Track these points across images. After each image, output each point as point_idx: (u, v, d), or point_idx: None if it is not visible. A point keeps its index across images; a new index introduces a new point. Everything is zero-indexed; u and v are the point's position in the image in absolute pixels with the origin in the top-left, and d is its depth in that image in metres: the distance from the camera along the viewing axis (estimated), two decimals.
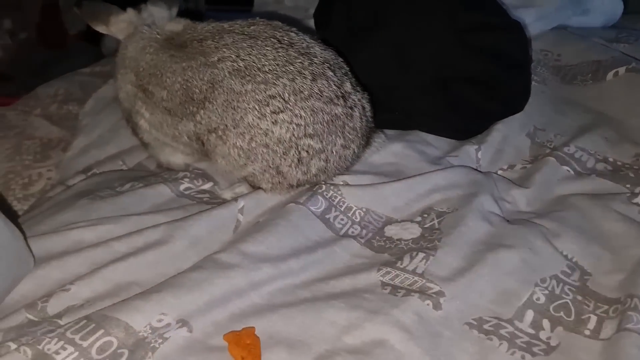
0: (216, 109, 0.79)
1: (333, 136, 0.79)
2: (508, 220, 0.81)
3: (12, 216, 0.65)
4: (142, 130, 0.89)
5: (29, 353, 0.55)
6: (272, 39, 0.80)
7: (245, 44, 0.80)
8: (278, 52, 0.79)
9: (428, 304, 0.64)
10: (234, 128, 0.78)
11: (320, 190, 0.80)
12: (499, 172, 0.95)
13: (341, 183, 0.83)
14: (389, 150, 0.92)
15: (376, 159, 0.90)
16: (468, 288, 0.67)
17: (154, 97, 0.84)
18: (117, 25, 0.90)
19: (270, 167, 0.79)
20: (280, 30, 0.82)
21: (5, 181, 1.12)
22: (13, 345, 0.56)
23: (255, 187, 0.83)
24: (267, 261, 0.69)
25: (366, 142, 0.88)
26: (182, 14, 0.94)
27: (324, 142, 0.79)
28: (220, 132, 0.79)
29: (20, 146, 1.21)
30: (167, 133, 0.86)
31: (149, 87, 0.84)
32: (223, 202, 0.82)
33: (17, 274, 0.64)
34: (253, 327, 0.62)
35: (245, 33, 0.81)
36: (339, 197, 0.80)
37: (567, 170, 0.93)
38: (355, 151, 0.84)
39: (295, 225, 0.74)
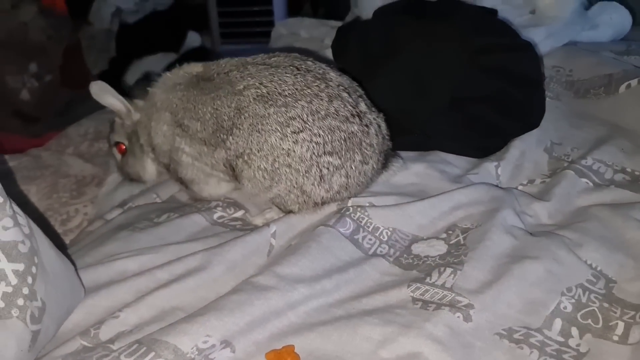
0: (242, 133, 0.84)
1: (351, 152, 0.84)
2: (531, 233, 0.83)
3: (62, 249, 0.70)
4: (185, 166, 0.94)
5: None
6: (290, 67, 0.87)
7: (267, 73, 0.86)
8: (297, 77, 0.85)
9: (459, 317, 0.66)
10: (258, 152, 0.83)
11: (347, 213, 0.83)
12: (519, 187, 0.98)
13: (367, 205, 0.86)
14: (411, 170, 0.95)
15: (399, 180, 0.94)
16: (496, 299, 0.69)
17: (189, 130, 0.89)
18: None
19: (294, 187, 0.83)
20: (299, 59, 0.89)
21: (44, 218, 1.18)
22: None
23: (284, 211, 0.87)
24: (302, 282, 0.72)
25: (385, 159, 0.92)
26: (194, 52, 1.04)
27: (343, 159, 0.84)
28: (246, 157, 0.84)
29: (56, 184, 1.27)
30: (207, 163, 0.90)
31: (184, 121, 0.90)
32: (255, 227, 0.86)
33: (70, 304, 0.68)
34: (292, 345, 0.65)
35: (267, 64, 0.88)
36: (366, 219, 0.84)
37: (586, 182, 0.95)
38: (374, 167, 0.89)
39: (326, 247, 0.78)
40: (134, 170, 1.04)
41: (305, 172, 0.82)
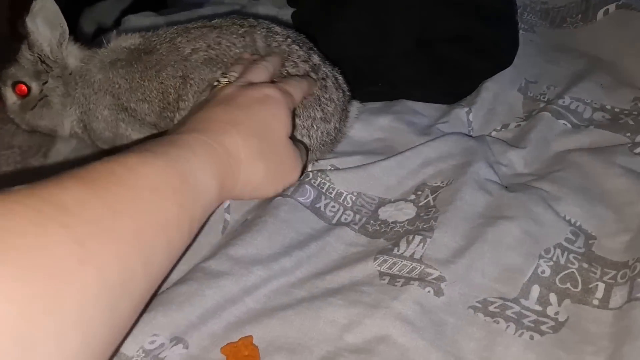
0: (188, 105, 0.76)
1: (310, 110, 0.77)
2: (506, 187, 0.77)
3: None
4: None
5: None
6: (234, 26, 0.79)
7: (213, 35, 0.79)
8: (243, 36, 0.78)
9: (429, 291, 0.61)
10: None
11: (307, 179, 0.76)
12: (493, 133, 0.92)
13: (329, 168, 0.79)
14: (376, 125, 0.88)
15: (363, 136, 0.87)
16: (469, 269, 0.64)
17: (137, 114, 0.80)
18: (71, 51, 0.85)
19: None
20: (240, 18, 0.82)
21: None
22: None
23: None
24: (259, 263, 0.66)
25: (346, 115, 0.85)
26: None
27: (303, 118, 0.77)
28: None
29: None
30: None
31: (131, 104, 0.80)
32: None
33: None
34: (250, 336, 0.60)
35: (209, 25, 0.80)
36: (328, 184, 0.77)
37: (564, 124, 0.89)
38: (337, 126, 0.82)
39: (285, 220, 0.71)
40: (46, 122, 0.88)
41: None
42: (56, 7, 0.80)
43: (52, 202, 0.43)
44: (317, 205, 0.75)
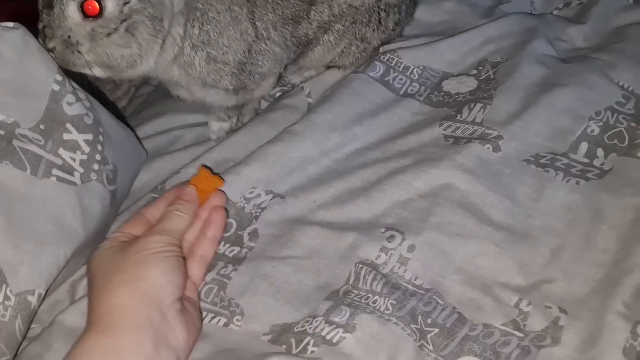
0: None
1: None
2: (564, 60, 0.83)
3: (120, 119, 0.75)
4: (263, 59, 0.76)
5: None
6: None
7: None
8: None
9: (488, 148, 0.71)
10: (341, 16, 0.80)
11: (376, 56, 0.85)
12: (555, 12, 0.95)
13: (397, 48, 0.87)
14: (441, 8, 0.94)
15: (429, 19, 0.93)
16: (524, 129, 0.72)
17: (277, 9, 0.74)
18: None
19: (356, 39, 0.84)
20: None
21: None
22: None
23: (339, 66, 0.87)
24: (335, 130, 0.76)
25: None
26: None
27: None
28: (327, 26, 0.80)
29: None
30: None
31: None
32: (293, 87, 0.88)
33: (137, 166, 0.76)
34: (221, 182, 0.67)
35: None
36: (396, 59, 0.85)
37: None
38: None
39: (357, 92, 0.80)
40: (123, 53, 0.64)
41: (368, 22, 0.83)
42: None
43: None
44: (386, 79, 0.83)
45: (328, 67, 0.89)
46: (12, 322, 0.56)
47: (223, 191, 0.68)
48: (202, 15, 0.69)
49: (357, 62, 0.87)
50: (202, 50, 0.70)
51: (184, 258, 0.59)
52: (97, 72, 0.66)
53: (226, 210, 0.67)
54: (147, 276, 0.53)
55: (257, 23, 0.73)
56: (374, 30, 0.84)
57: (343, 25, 0.82)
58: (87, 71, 0.66)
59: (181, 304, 0.55)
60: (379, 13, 0.83)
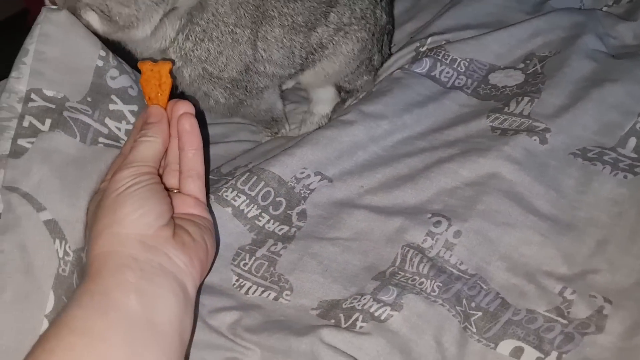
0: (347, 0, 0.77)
1: None
2: (613, 56, 0.83)
3: None
4: (264, 73, 0.77)
5: (212, 198, 0.70)
6: None
7: None
8: None
9: (535, 140, 0.71)
10: (362, 19, 0.81)
11: (422, 51, 0.86)
12: (604, 8, 0.95)
13: (443, 42, 0.88)
14: (489, 3, 0.94)
15: (475, 13, 0.94)
16: (572, 122, 0.73)
17: (285, 19, 0.74)
18: None
19: (367, 57, 0.86)
20: None
21: None
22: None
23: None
24: (385, 118, 0.77)
25: None
26: None
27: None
28: (347, 29, 0.80)
29: None
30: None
31: (270, 12, 0.72)
32: None
33: None
34: (170, 64, 0.60)
35: None
36: (443, 52, 0.86)
37: None
38: None
39: (406, 85, 0.82)
40: (121, 11, 0.63)
41: (379, 39, 0.86)
42: None
43: None
44: (433, 73, 0.85)
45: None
46: (71, 276, 0.58)
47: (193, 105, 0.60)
48: (204, 32, 0.69)
49: (362, 88, 0.88)
50: (198, 65, 0.71)
51: (162, 182, 0.57)
52: (94, 20, 0.65)
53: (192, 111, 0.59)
54: (120, 217, 0.51)
55: (258, 43, 0.73)
56: (378, 52, 0.86)
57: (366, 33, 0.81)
58: (83, 16, 0.65)
59: (172, 229, 0.53)
60: (388, 34, 0.86)
